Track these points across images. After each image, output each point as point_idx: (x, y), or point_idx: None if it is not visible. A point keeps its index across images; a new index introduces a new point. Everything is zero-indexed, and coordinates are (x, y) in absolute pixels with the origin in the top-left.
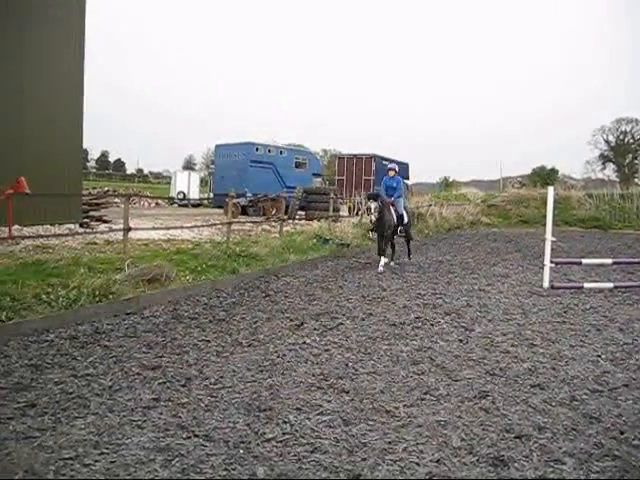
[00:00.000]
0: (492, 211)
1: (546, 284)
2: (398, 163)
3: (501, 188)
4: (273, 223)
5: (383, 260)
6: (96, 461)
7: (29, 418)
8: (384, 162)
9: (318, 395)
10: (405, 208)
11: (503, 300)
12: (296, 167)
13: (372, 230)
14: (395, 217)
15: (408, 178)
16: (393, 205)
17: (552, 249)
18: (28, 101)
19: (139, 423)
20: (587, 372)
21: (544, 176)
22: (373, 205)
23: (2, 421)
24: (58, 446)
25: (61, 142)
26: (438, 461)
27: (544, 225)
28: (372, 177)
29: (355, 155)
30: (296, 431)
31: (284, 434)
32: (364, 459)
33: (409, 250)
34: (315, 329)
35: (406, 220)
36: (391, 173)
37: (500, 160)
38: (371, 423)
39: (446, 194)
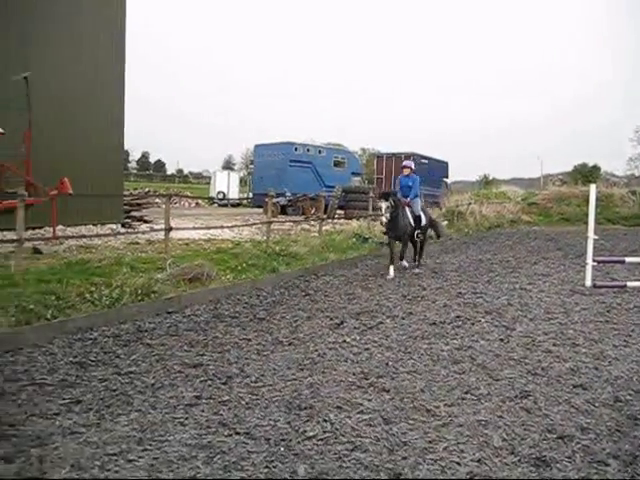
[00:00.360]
0: (533, 209)
1: (588, 283)
2: (437, 161)
3: (542, 186)
4: (312, 222)
5: (392, 270)
6: (140, 457)
7: (74, 414)
8: (423, 160)
9: (358, 394)
10: (423, 210)
11: (545, 299)
12: (335, 166)
13: (384, 233)
14: (412, 218)
15: (447, 177)
16: (409, 206)
17: (594, 247)
18: (71, 103)
19: (181, 420)
20: (631, 372)
21: (586, 173)
22: (384, 205)
23: (49, 417)
24: (103, 442)
25: (103, 143)
26: (479, 461)
27: (586, 223)
28: None
29: (394, 154)
30: (336, 429)
31: (325, 432)
32: (404, 458)
33: (420, 254)
34: (355, 328)
35: (424, 222)
36: (406, 171)
37: (540, 157)
38: (412, 422)
39: (486, 192)
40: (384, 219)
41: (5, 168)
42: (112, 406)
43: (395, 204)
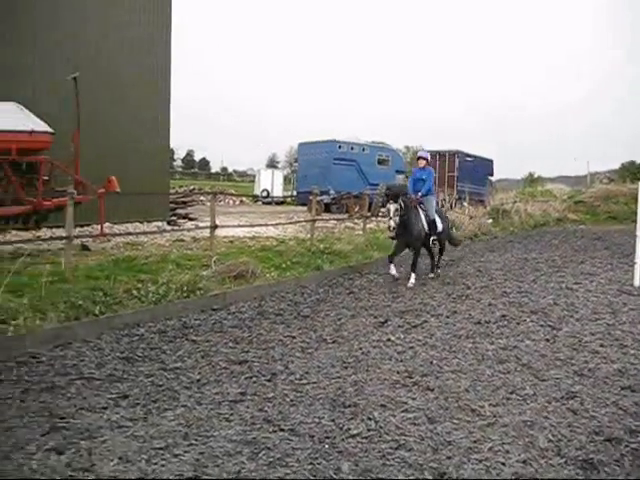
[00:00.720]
0: (579, 208)
1: (637, 283)
2: (482, 159)
3: (588, 184)
4: (356, 220)
5: (393, 269)
6: (185, 452)
7: (122, 408)
8: (468, 158)
9: (403, 392)
10: (439, 212)
11: (591, 299)
12: (379, 164)
13: (392, 238)
14: (425, 223)
15: (492, 175)
16: (421, 203)
17: None
18: (119, 102)
19: (226, 416)
20: None
21: (634, 171)
22: (392, 207)
23: (97, 410)
24: (149, 436)
25: (149, 142)
26: (524, 462)
27: (634, 222)
28: (456, 173)
29: (438, 151)
30: (381, 427)
31: (369, 430)
32: (449, 457)
33: (437, 262)
34: (399, 326)
35: (440, 228)
36: (421, 163)
37: (587, 155)
38: (456, 421)
39: (531, 190)
40: (392, 223)
41: (55, 166)
42: (158, 401)
43: (406, 206)
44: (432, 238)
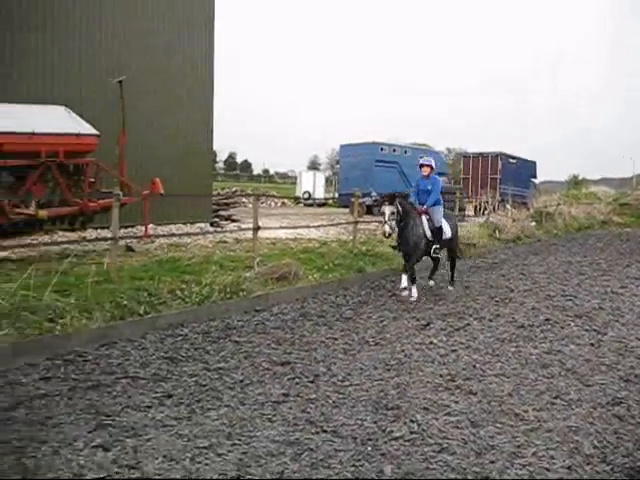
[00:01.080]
0: (624, 210)
1: None
2: (525, 161)
3: (634, 185)
4: None
5: (405, 279)
6: (229, 451)
7: (166, 407)
8: (511, 160)
9: (445, 395)
10: (448, 217)
11: (637, 303)
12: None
13: (394, 247)
14: (428, 230)
15: (536, 177)
16: (427, 214)
17: None
18: (164, 106)
19: (269, 417)
20: None
21: None
22: (387, 210)
23: (142, 409)
24: (193, 435)
25: (193, 144)
26: (569, 468)
27: None
28: (498, 176)
29: (481, 154)
30: (423, 430)
31: (411, 433)
32: (492, 462)
33: (452, 274)
34: (442, 329)
35: (449, 235)
36: (425, 170)
37: (632, 157)
38: (499, 425)
39: (575, 192)
40: (387, 228)
41: (101, 168)
42: (202, 401)
43: (404, 210)
44: (434, 247)
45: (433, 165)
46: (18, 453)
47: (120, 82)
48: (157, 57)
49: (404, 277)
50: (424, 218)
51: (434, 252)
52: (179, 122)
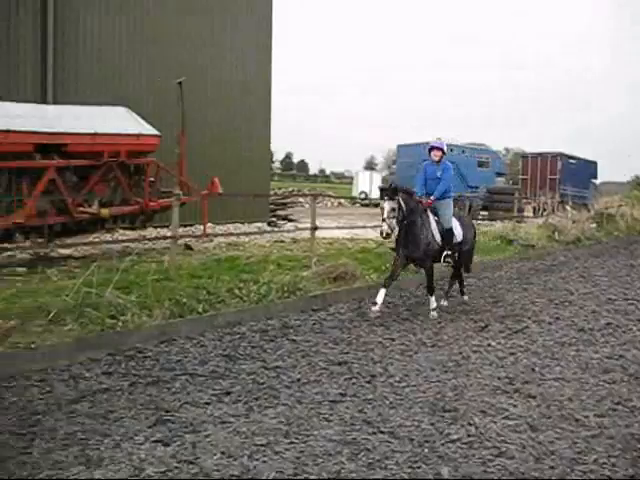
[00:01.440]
0: None
1: None
2: (585, 161)
3: None
4: None
5: (382, 294)
6: (286, 449)
7: (224, 404)
8: (571, 161)
9: (503, 399)
10: (459, 217)
11: None
12: (478, 166)
13: (392, 249)
14: (438, 234)
15: (596, 177)
16: (434, 213)
17: None
18: (222, 106)
19: (326, 416)
20: None
21: None
22: (387, 206)
23: (201, 406)
24: (251, 432)
25: (252, 144)
26: (632, 477)
27: None
28: (558, 176)
29: (540, 154)
30: (481, 434)
31: (469, 436)
32: (552, 467)
33: (461, 284)
34: (500, 331)
35: (460, 239)
36: (436, 155)
37: None
38: (559, 431)
39: (637, 194)
40: (385, 227)
41: (161, 168)
42: (260, 399)
43: (408, 206)
44: (445, 253)
45: (444, 148)
46: (82, 445)
47: (180, 83)
48: (217, 58)
49: (382, 291)
50: (431, 217)
51: (444, 260)
52: (238, 123)
